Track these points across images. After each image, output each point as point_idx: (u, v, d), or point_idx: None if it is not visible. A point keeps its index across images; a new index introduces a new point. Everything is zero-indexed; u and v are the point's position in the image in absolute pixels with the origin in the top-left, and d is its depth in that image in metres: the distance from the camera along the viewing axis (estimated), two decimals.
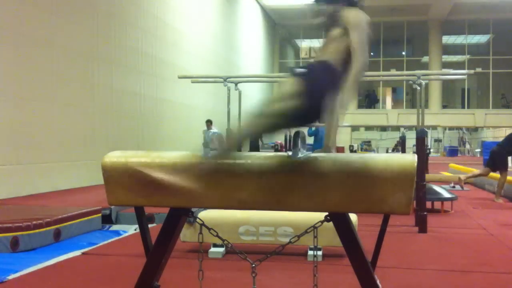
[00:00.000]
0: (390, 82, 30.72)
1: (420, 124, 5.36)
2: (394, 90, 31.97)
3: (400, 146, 8.87)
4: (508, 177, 8.95)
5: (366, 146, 29.95)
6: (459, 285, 3.40)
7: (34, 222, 4.57)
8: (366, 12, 2.48)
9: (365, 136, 32.14)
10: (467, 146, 33.00)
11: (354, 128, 29.33)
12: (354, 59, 2.22)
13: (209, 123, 13.68)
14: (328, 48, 2.30)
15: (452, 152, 29.42)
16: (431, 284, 3.40)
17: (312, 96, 2.06)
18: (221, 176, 1.98)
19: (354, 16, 2.34)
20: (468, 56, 28.27)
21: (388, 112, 28.13)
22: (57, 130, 8.33)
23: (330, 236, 2.98)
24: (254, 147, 16.09)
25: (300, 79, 2.11)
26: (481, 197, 8.77)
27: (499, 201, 8.08)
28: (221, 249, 4.04)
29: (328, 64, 2.22)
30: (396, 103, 31.21)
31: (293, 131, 2.09)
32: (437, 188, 6.76)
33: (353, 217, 3.58)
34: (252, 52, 23.03)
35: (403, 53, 30.19)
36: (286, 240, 2.68)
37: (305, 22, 28.37)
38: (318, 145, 10.14)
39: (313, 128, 10.02)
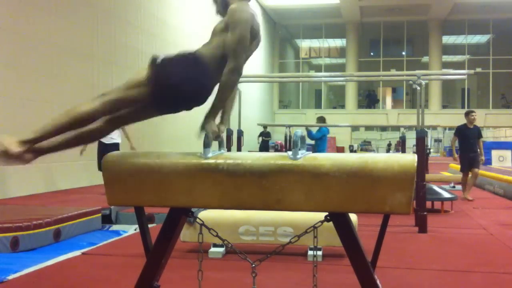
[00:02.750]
0: (390, 82, 30.73)
1: (420, 124, 5.36)
2: (394, 90, 31.96)
3: (400, 146, 8.86)
4: (508, 177, 8.96)
5: (367, 145, 29.92)
6: (459, 285, 3.40)
7: (34, 222, 4.57)
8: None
9: (365, 136, 32.10)
10: None
11: (354, 128, 29.32)
12: (228, 60, 2.10)
13: None
14: (212, 41, 2.19)
15: (452, 152, 29.40)
16: (431, 284, 3.40)
17: (157, 87, 2.06)
18: (221, 176, 1.98)
19: (237, 12, 2.13)
20: (468, 56, 28.27)
21: (388, 112, 28.14)
22: None
23: (330, 236, 2.98)
24: (264, 147, 16.07)
25: (153, 67, 2.09)
26: (481, 197, 8.77)
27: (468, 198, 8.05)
28: (221, 249, 4.04)
29: (194, 56, 2.14)
30: (396, 103, 31.20)
31: (293, 130, 2.10)
32: (437, 188, 6.76)
33: (353, 217, 3.58)
34: None
35: (403, 53, 30.19)
36: (286, 240, 2.69)
37: (305, 22, 28.37)
38: (323, 147, 10.08)
39: (315, 130, 9.96)
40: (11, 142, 2.09)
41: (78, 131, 2.16)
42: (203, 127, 2.10)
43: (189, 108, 2.22)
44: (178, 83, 2.08)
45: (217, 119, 2.18)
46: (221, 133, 2.17)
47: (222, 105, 2.17)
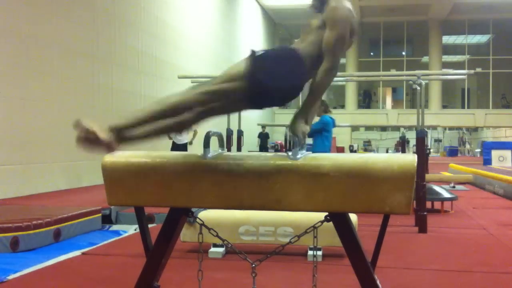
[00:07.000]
0: (390, 82, 30.71)
1: (420, 124, 5.36)
2: (394, 90, 31.96)
3: (401, 147, 8.85)
4: (508, 177, 8.95)
5: (367, 146, 29.91)
6: (459, 285, 3.40)
7: (34, 222, 4.56)
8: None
9: (365, 136, 32.11)
10: (467, 146, 33.00)
11: (354, 128, 29.31)
12: (324, 59, 2.05)
13: None
14: (307, 38, 2.14)
15: (452, 152, 29.41)
16: (431, 284, 3.40)
17: (254, 82, 1.98)
18: (221, 176, 1.98)
19: (337, 10, 2.07)
20: (468, 56, 28.27)
21: (388, 112, 28.12)
22: (57, 130, 8.32)
23: (330, 236, 2.98)
24: (263, 147, 16.05)
25: (252, 61, 2.01)
26: (481, 197, 8.77)
27: None
28: (221, 249, 4.04)
29: (293, 52, 2.08)
30: (396, 103, 31.19)
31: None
32: (437, 188, 6.76)
33: (353, 217, 3.58)
34: None
35: (403, 53, 30.18)
36: (286, 240, 2.69)
37: (305, 22, 28.34)
38: (323, 145, 8.76)
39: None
40: (101, 128, 2.02)
41: (167, 120, 2.06)
42: (293, 127, 2.02)
43: (281, 104, 2.17)
44: (276, 78, 2.00)
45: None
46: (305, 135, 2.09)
47: (314, 104, 2.10)
